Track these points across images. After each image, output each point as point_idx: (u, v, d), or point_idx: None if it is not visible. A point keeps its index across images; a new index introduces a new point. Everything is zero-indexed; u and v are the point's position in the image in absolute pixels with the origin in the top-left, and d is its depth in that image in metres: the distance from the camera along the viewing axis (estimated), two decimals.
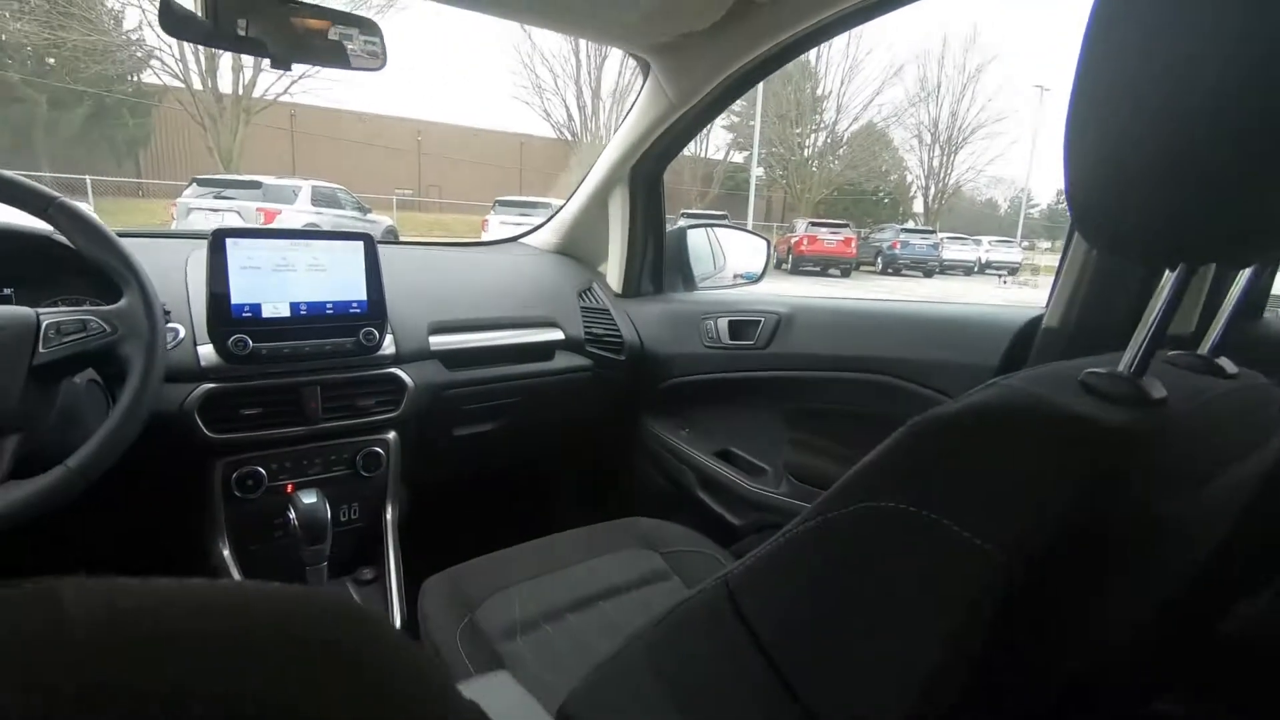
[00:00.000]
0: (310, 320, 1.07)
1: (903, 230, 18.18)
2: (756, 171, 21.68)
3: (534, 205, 12.11)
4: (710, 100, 1.30)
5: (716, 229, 1.99)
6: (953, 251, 18.51)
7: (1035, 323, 0.96)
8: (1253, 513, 0.64)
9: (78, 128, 15.99)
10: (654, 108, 1.34)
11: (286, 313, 1.05)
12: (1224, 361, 0.55)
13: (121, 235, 0.85)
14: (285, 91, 15.99)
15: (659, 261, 1.63)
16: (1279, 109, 0.33)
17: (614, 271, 1.63)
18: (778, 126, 23.49)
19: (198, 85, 15.37)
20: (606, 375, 1.48)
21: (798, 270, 15.87)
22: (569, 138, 22.39)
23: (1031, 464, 0.38)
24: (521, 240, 1.79)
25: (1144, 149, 0.39)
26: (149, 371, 0.81)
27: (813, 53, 24.24)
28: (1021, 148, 38.77)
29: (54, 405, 0.79)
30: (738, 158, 25.81)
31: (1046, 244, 29.82)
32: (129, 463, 0.80)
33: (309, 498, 1.00)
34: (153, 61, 15.51)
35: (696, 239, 1.85)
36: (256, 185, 9.70)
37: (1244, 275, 0.55)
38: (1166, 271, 0.43)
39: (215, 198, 9.53)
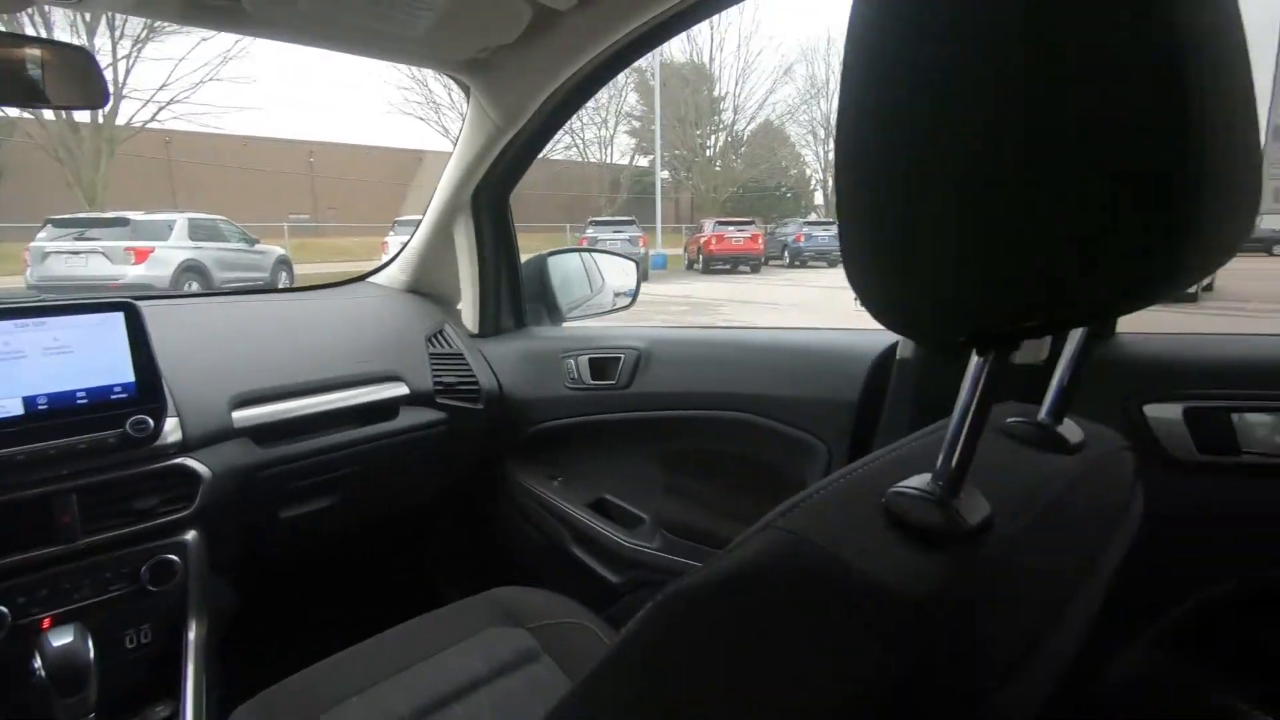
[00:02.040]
0: (54, 415, 0.87)
1: (805, 224, 18.69)
2: (662, 174, 21.87)
3: None
4: (542, 118, 1.18)
5: (592, 252, 1.88)
6: None
7: (893, 349, 0.88)
8: (1124, 575, 0.57)
9: None
10: (481, 130, 1.20)
11: (18, 410, 0.85)
12: (1067, 427, 0.46)
13: None
14: (153, 119, 14.86)
15: (517, 294, 1.49)
16: (1066, 143, 0.25)
17: (469, 309, 1.48)
18: (679, 129, 23.82)
19: (49, 115, 14.03)
20: (464, 427, 1.33)
21: (709, 269, 16.06)
22: None
23: (804, 664, 0.27)
24: (370, 279, 1.61)
25: (923, 220, 0.29)
26: None
27: (705, 55, 24.77)
28: None
29: None
30: (643, 161, 25.99)
31: None
32: None
33: (63, 636, 0.81)
34: None
35: (566, 264, 1.73)
36: (123, 222, 8.90)
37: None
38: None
39: (76, 239, 8.68)
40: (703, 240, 16.34)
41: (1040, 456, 0.43)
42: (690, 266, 16.80)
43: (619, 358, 1.22)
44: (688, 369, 1.16)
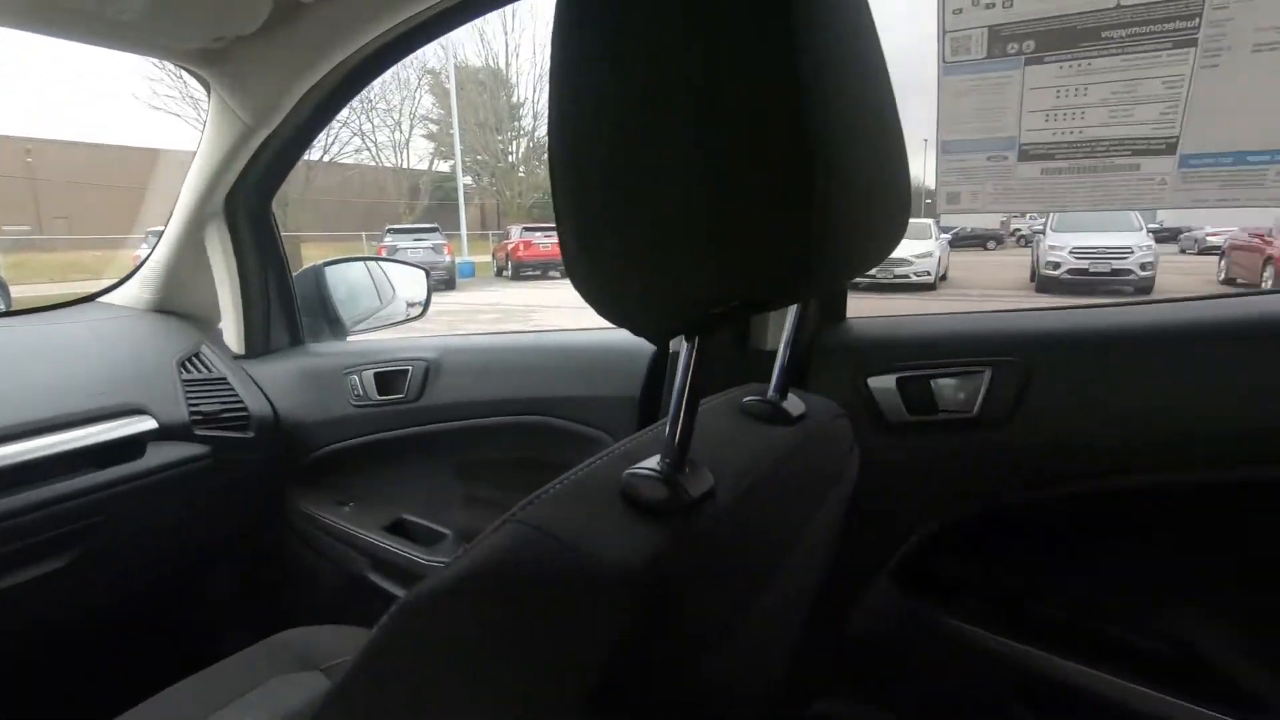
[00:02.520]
0: None
1: None
2: (464, 180, 21.25)
3: None
4: (302, 117, 1.09)
5: (379, 261, 1.78)
6: None
7: (668, 343, 0.94)
8: (850, 533, 0.66)
9: None
10: (228, 129, 1.08)
11: None
12: (791, 402, 0.53)
13: None
14: None
15: (291, 308, 1.37)
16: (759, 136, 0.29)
17: (231, 327, 1.32)
18: (479, 134, 23.28)
19: None
20: (233, 460, 1.19)
21: (519, 276, 15.90)
22: None
23: (536, 652, 0.28)
24: (101, 299, 1.38)
25: (626, 222, 0.32)
26: None
27: (502, 61, 24.46)
28: None
29: None
30: (444, 167, 25.04)
31: None
32: None
33: None
34: None
35: (350, 275, 1.62)
36: None
37: (791, 312, 0.54)
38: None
39: None
40: (510, 247, 16.14)
41: (766, 429, 0.48)
42: (500, 273, 16.51)
43: (407, 370, 1.17)
44: (480, 377, 1.14)
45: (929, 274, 9.34)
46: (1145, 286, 7.92)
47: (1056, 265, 8.50)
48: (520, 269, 15.87)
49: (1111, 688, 0.69)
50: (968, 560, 0.81)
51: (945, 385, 0.75)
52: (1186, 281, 8.82)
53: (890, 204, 0.41)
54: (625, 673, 0.28)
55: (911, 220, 0.45)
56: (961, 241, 14.49)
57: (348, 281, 1.60)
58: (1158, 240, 8.74)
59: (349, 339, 1.46)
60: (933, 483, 0.78)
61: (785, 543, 0.41)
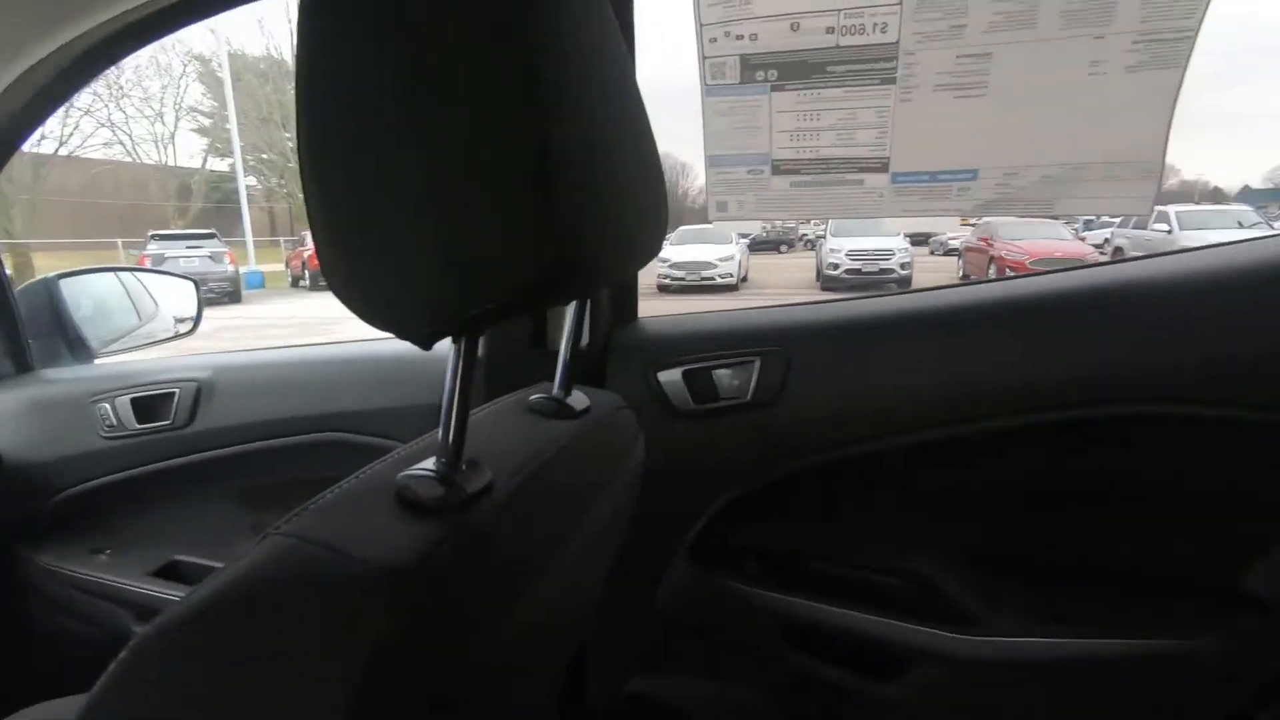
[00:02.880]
0: None
1: None
2: (247, 180, 19.05)
3: None
4: (17, 105, 0.93)
5: (135, 271, 1.56)
6: None
7: None
8: (651, 517, 0.71)
9: None
10: None
11: None
12: (575, 397, 0.56)
13: None
14: None
15: (14, 329, 1.16)
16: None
17: None
18: (262, 130, 21.00)
19: None
20: None
21: (320, 286, 14.64)
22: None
23: (296, 665, 0.28)
24: None
25: (381, 210, 0.32)
26: None
27: (286, 50, 22.36)
28: None
29: None
30: (221, 165, 22.26)
31: None
32: None
33: None
34: None
35: (96, 288, 1.40)
36: None
37: (569, 312, 0.57)
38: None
39: None
40: (308, 254, 14.79)
41: (550, 424, 0.51)
42: (296, 283, 15.07)
43: (173, 393, 1.04)
44: (265, 395, 1.05)
45: (732, 276, 10.17)
46: (905, 281, 9.26)
47: (836, 266, 9.69)
48: (320, 278, 14.61)
49: (861, 622, 0.82)
50: (751, 529, 0.91)
51: (723, 375, 0.84)
52: (935, 277, 10.44)
53: (647, 208, 0.45)
54: (391, 667, 0.28)
55: (713, 227, 0.50)
56: (759, 246, 15.89)
57: (94, 296, 1.38)
58: (913, 244, 10.33)
59: (98, 362, 1.27)
60: (719, 463, 0.86)
61: (565, 529, 0.44)
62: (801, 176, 0.83)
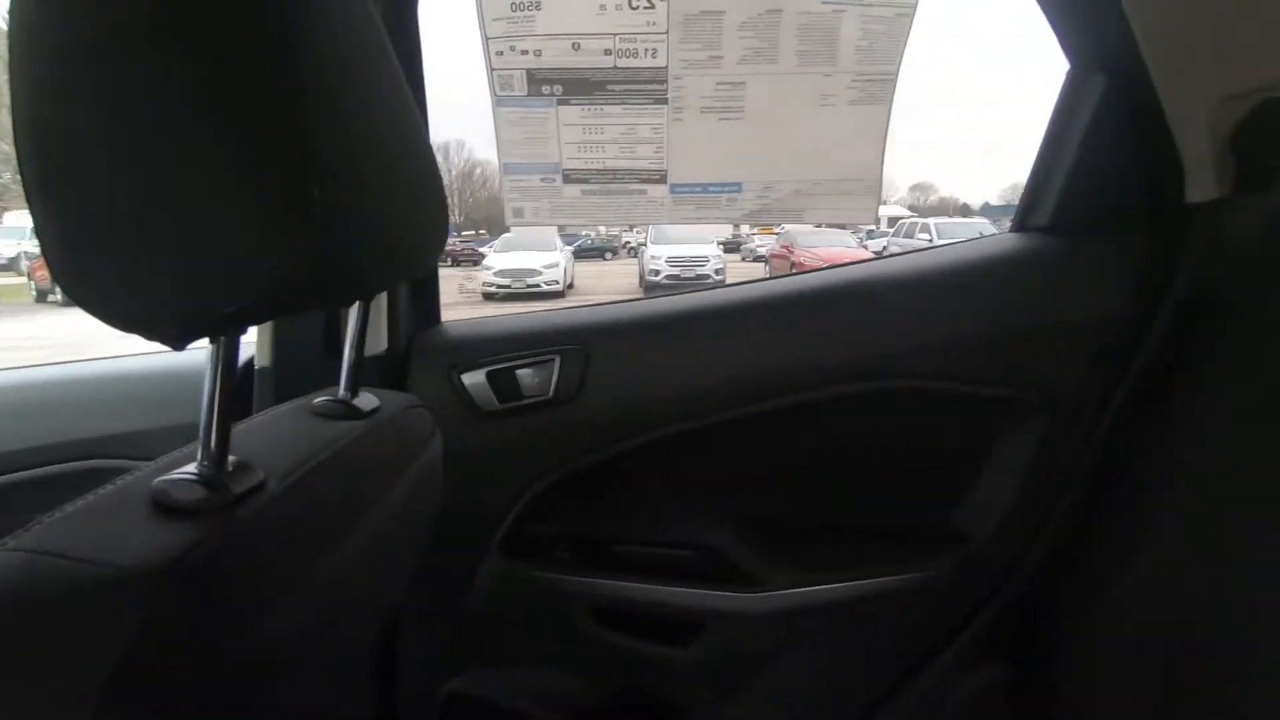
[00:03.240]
0: None
1: None
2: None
3: None
4: None
5: None
6: None
7: (250, 360, 0.88)
8: (460, 516, 0.72)
9: None
10: None
11: None
12: (363, 399, 0.56)
13: None
14: None
15: None
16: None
17: None
18: None
19: None
20: None
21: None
22: None
23: (30, 683, 0.26)
24: None
25: (122, 204, 0.31)
26: None
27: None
28: None
29: None
30: None
31: None
32: None
33: None
34: None
35: None
36: None
37: (353, 314, 0.57)
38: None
39: None
40: None
41: (333, 425, 0.51)
42: (44, 298, 12.67)
43: None
44: (1, 422, 0.91)
45: (558, 282, 10.24)
46: (720, 284, 9.94)
47: (657, 272, 10.15)
48: None
49: (661, 594, 0.89)
50: (559, 520, 0.95)
51: (525, 374, 0.87)
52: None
53: (422, 214, 0.47)
54: (144, 665, 0.28)
55: (538, 233, 0.52)
56: (584, 253, 16.15)
57: None
58: (725, 250, 11.13)
59: None
60: (525, 459, 0.89)
61: (344, 524, 0.45)
62: (591, 185, 0.89)
